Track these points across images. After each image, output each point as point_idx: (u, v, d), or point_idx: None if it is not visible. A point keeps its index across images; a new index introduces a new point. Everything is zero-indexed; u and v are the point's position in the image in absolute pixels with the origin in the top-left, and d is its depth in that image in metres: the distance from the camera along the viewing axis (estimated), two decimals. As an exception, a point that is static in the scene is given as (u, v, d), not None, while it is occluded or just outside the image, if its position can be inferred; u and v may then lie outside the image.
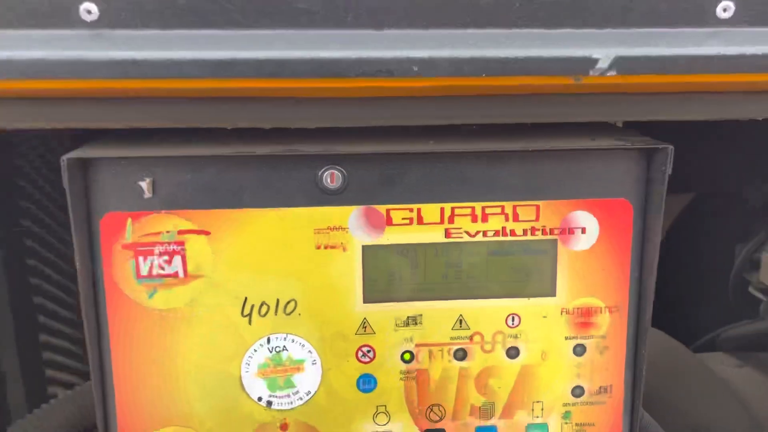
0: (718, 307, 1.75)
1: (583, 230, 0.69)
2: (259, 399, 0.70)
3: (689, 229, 1.84)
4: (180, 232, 0.66)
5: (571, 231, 0.69)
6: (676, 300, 1.96)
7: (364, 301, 0.69)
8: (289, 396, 0.70)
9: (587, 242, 0.69)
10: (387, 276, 0.69)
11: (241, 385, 0.70)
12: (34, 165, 1.15)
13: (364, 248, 0.68)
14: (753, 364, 1.54)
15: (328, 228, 0.67)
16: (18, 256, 1.16)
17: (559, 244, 0.69)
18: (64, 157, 0.61)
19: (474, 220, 0.68)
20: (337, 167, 0.66)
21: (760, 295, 1.61)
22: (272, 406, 0.70)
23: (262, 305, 0.68)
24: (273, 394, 0.70)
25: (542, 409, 0.73)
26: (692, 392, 1.41)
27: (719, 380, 1.44)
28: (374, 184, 0.67)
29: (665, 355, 1.57)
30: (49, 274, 1.26)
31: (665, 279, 1.89)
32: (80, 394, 1.10)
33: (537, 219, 0.69)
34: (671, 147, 0.65)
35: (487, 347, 0.71)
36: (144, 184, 0.64)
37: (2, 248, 1.10)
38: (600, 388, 0.73)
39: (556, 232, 0.69)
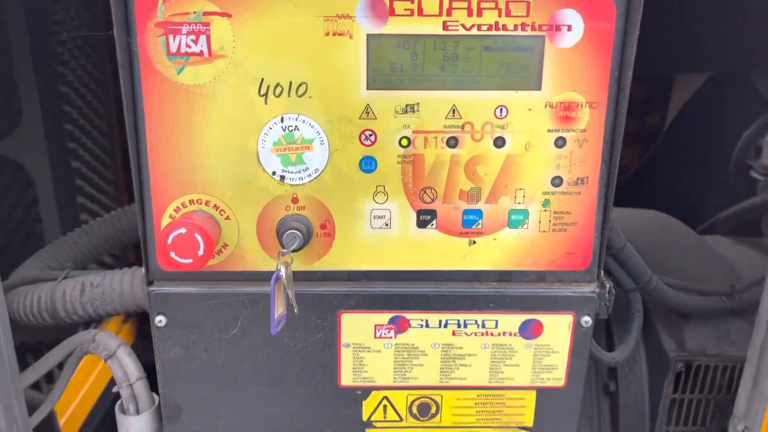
0: (723, 193, 1.81)
1: (569, 28, 0.76)
2: (274, 173, 0.80)
3: (698, 116, 1.88)
4: (205, 13, 0.74)
5: (558, 28, 0.76)
6: (684, 187, 2.03)
7: (368, 88, 0.77)
8: (299, 172, 0.80)
9: (572, 39, 0.76)
10: (389, 65, 0.77)
11: (258, 160, 0.79)
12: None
13: (369, 36, 0.75)
14: (745, 244, 1.61)
15: (336, 15, 0.75)
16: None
17: (546, 41, 0.76)
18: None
19: (470, 14, 0.75)
20: (346, -44, 0.73)
21: (761, 178, 1.66)
22: (285, 181, 0.80)
23: (276, 86, 0.77)
24: (285, 169, 0.80)
25: (524, 196, 0.82)
26: (685, 257, 1.49)
27: (712, 250, 1.52)
28: (379, -25, 0.74)
29: (665, 230, 1.65)
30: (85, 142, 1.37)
31: (674, 166, 1.94)
32: (116, 216, 1.22)
33: (527, 15, 0.75)
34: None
35: (477, 136, 0.79)
36: (173, -34, 0.72)
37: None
38: (577, 179, 0.81)
39: (544, 28, 0.76)
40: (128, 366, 0.95)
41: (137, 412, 0.94)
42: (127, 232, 1.18)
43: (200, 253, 0.76)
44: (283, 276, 0.76)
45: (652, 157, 2.02)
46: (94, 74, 1.53)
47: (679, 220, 1.60)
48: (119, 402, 0.95)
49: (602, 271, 0.86)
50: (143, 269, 0.84)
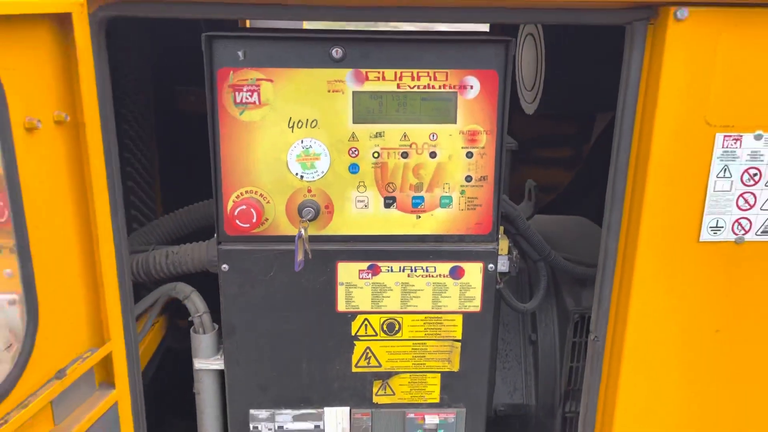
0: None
1: (471, 87, 1.29)
2: (296, 174, 1.31)
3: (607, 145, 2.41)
4: (258, 80, 1.27)
5: (464, 87, 1.29)
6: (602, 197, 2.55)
7: (353, 122, 1.29)
8: (312, 173, 1.31)
9: (473, 94, 1.29)
10: (365, 108, 1.29)
11: (287, 166, 1.31)
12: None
13: (353, 92, 1.28)
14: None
15: (335, 80, 1.27)
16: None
17: (458, 95, 1.29)
18: (203, 35, 1.22)
19: (413, 79, 1.28)
20: (340, 47, 1.26)
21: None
22: (303, 179, 1.32)
23: (299, 121, 1.29)
24: (304, 171, 1.31)
25: (449, 188, 1.34)
26: (592, 246, 1.98)
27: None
28: (358, 57, 1.26)
29: (581, 229, 2.16)
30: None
31: (597, 183, 2.46)
32: (181, 213, 1.71)
33: (446, 80, 1.28)
34: (513, 39, 1.24)
35: (419, 151, 1.32)
36: (240, 53, 1.25)
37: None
38: (481, 177, 1.33)
39: (456, 87, 1.29)
40: (198, 304, 1.46)
41: (204, 333, 1.44)
42: (188, 224, 1.68)
43: (253, 220, 1.27)
44: (303, 234, 1.27)
45: (579, 178, 2.54)
46: (142, 119, 2.03)
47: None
48: (192, 327, 1.46)
49: (499, 235, 1.37)
50: (214, 237, 1.35)
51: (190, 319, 1.45)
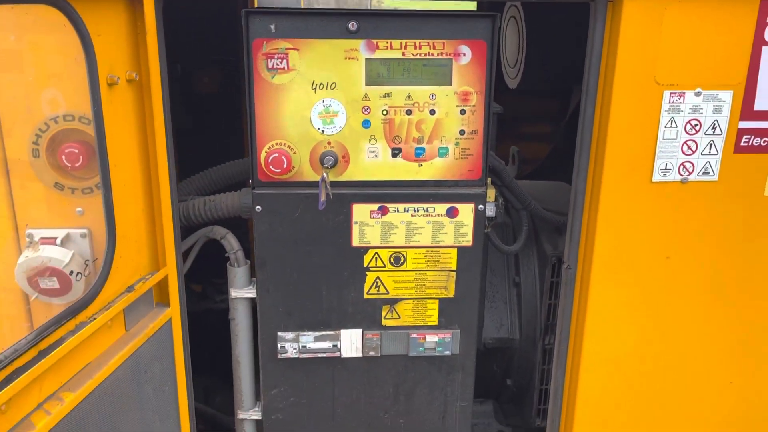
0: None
1: (464, 54, 1.55)
2: (318, 129, 1.57)
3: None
4: (286, 49, 1.52)
5: (458, 54, 1.55)
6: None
7: (366, 85, 1.55)
8: (332, 128, 1.57)
9: (466, 60, 1.55)
10: (376, 73, 1.55)
11: (311, 122, 1.56)
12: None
13: (366, 59, 1.54)
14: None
15: (351, 50, 1.53)
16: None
17: (453, 61, 1.55)
18: (243, 10, 1.47)
19: (415, 48, 1.54)
20: (356, 21, 1.51)
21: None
22: (324, 133, 1.57)
23: (320, 84, 1.54)
24: (324, 126, 1.57)
25: (446, 140, 1.60)
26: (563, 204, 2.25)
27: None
28: (370, 30, 1.52)
29: (559, 192, 2.42)
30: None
31: (572, 150, 2.72)
32: (217, 170, 1.96)
33: (444, 48, 1.54)
34: (498, 14, 1.50)
35: (421, 109, 1.58)
36: (272, 26, 1.50)
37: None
38: (472, 131, 1.60)
39: (452, 55, 1.55)
40: (233, 243, 1.71)
41: (239, 266, 1.70)
42: (217, 181, 1.93)
43: (284, 166, 1.53)
44: (326, 178, 1.52)
45: (557, 150, 2.82)
46: None
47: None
48: (228, 262, 1.71)
49: (487, 180, 1.64)
50: (245, 188, 1.60)
51: (226, 255, 1.70)
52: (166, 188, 1.46)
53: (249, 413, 1.80)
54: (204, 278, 2.72)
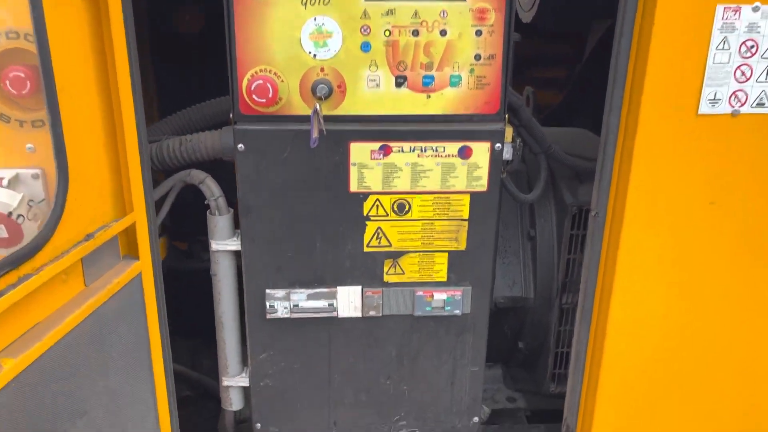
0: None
1: (481, -36, 1.31)
2: (309, 52, 1.34)
3: (604, 56, 2.45)
4: (271, -45, 1.28)
5: (474, -36, 1.31)
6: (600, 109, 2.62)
7: (365, 0, 1.32)
8: (325, 52, 1.34)
9: (483, -29, 1.32)
10: (377, -14, 1.32)
11: (300, 44, 1.33)
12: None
13: (366, -31, 1.30)
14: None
15: (347, -43, 1.29)
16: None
17: (468, -28, 1.32)
18: None
19: (423, -44, 1.30)
20: None
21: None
22: (316, 57, 1.34)
23: (312, -1, 1.31)
24: (317, 50, 1.34)
25: (459, 67, 1.37)
26: (591, 151, 2.03)
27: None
28: None
29: (581, 138, 2.21)
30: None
31: (591, 94, 2.52)
32: (194, 109, 1.73)
33: (456, -44, 1.31)
34: None
35: (430, 29, 1.35)
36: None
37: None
38: (489, 55, 1.37)
39: (466, -36, 1.31)
40: (213, 188, 1.50)
41: (221, 215, 1.48)
42: (198, 121, 1.71)
43: (269, 95, 1.31)
44: (318, 109, 1.30)
45: (571, 96, 2.60)
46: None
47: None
48: (209, 210, 1.50)
49: (506, 114, 1.42)
50: (231, 119, 1.38)
51: (206, 202, 1.49)
52: (131, 121, 1.24)
53: (235, 380, 1.62)
54: (191, 236, 2.52)
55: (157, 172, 1.60)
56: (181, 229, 2.24)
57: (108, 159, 1.24)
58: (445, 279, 1.53)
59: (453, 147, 1.43)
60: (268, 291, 1.50)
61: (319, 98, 1.33)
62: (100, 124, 1.21)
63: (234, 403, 1.64)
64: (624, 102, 1.38)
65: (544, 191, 1.80)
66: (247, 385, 1.61)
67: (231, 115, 1.38)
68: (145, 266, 1.33)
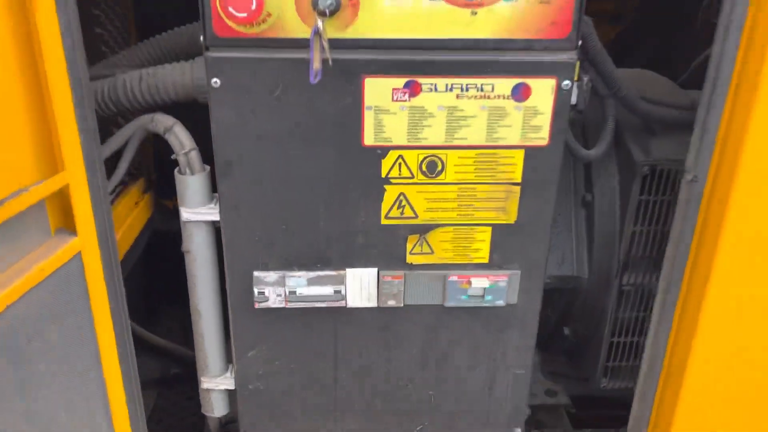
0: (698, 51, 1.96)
1: None
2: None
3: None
4: None
5: None
6: (663, 49, 2.21)
7: None
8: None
9: None
10: None
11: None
12: None
13: None
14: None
15: None
16: None
17: None
18: None
19: None
20: None
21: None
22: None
23: None
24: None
25: None
26: (663, 96, 1.65)
27: (684, 92, 1.67)
28: None
29: (647, 80, 1.80)
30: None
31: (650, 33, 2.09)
32: (160, 38, 1.35)
33: None
34: None
35: None
36: None
37: None
38: (561, -45, 0.98)
39: None
40: (183, 138, 1.14)
41: (193, 174, 1.13)
42: (170, 51, 1.33)
43: (253, 8, 0.93)
44: (320, 29, 0.93)
45: (625, 34, 2.19)
46: None
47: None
48: (177, 168, 1.14)
49: (579, 41, 1.04)
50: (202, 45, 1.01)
51: (173, 157, 1.13)
52: (57, 45, 0.88)
53: (217, 381, 1.29)
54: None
55: (114, 117, 1.23)
56: (172, 185, 1.92)
57: (26, 99, 0.88)
58: (486, 260, 1.18)
59: (505, 85, 1.05)
60: (256, 274, 1.15)
61: (323, 14, 0.95)
62: (10, 48, 0.85)
63: (216, 408, 1.32)
64: (745, 26, 0.99)
65: (609, 146, 1.42)
66: (232, 387, 1.28)
67: (201, 38, 1.01)
68: (86, 244, 0.98)
